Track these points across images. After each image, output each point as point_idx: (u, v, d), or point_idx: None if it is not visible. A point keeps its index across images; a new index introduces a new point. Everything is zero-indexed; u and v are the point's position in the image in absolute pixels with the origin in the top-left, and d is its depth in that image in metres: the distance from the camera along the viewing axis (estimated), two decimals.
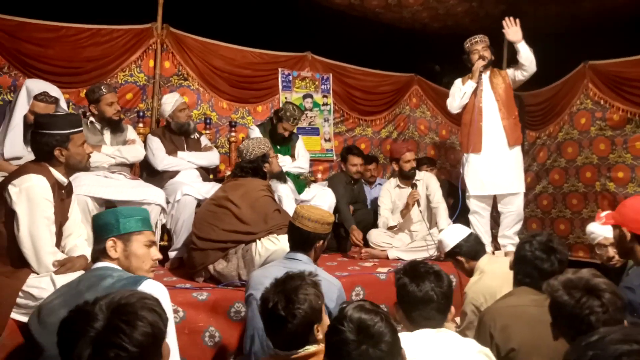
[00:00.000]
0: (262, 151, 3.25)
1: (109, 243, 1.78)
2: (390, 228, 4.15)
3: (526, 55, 3.88)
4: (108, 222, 1.82)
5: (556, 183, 5.16)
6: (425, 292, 1.70)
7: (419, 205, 3.96)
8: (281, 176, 3.40)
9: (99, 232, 1.81)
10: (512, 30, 3.90)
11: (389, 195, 4.29)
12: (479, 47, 4.04)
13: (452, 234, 2.78)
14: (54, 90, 3.06)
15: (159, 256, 1.90)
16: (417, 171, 4.25)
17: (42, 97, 3.00)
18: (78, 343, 1.05)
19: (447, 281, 1.76)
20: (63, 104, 3.23)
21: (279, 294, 1.63)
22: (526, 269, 2.03)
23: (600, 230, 2.78)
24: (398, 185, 4.27)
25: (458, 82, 4.17)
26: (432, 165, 5.05)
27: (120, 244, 1.77)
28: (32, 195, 2.21)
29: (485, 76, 4.05)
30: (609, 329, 0.84)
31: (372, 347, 1.27)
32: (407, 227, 4.17)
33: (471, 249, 2.69)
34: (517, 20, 3.91)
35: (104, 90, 3.39)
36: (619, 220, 2.17)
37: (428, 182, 4.23)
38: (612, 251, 2.77)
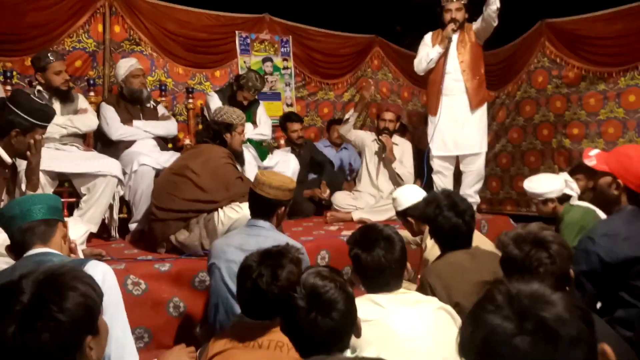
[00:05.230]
0: (230, 121, 3.16)
1: (60, 226, 1.71)
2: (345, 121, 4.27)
3: (494, 8, 3.70)
4: (59, 205, 1.75)
5: (515, 141, 5.28)
6: (378, 261, 1.69)
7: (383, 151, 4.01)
8: (239, 156, 3.31)
9: (51, 215, 1.70)
10: None
11: (365, 135, 4.34)
12: (452, 6, 3.91)
13: (408, 194, 2.79)
14: None
15: None
16: (395, 136, 4.27)
17: None
18: (1, 321, 0.98)
19: (399, 245, 1.75)
20: None
21: (267, 268, 1.59)
22: (449, 238, 2.08)
23: (550, 186, 2.85)
24: (375, 140, 4.28)
25: (427, 38, 4.09)
26: (403, 131, 5.07)
27: (64, 227, 1.71)
28: None
29: (455, 36, 3.98)
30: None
31: (322, 315, 1.23)
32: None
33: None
34: None
35: (51, 57, 3.19)
36: (615, 169, 2.01)
37: (404, 148, 4.27)
38: (551, 206, 2.88)
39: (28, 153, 2.30)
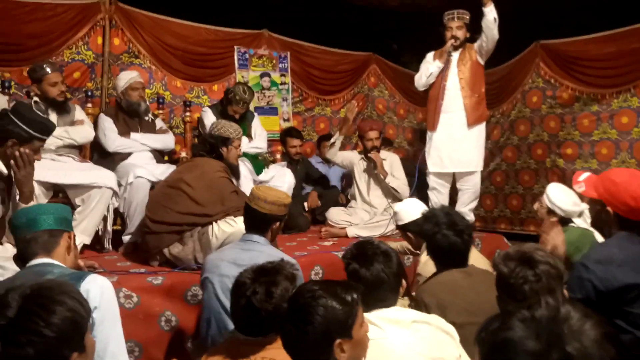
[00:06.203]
0: (227, 135, 3.17)
1: (65, 237, 1.70)
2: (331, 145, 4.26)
3: (490, 18, 3.71)
4: (67, 216, 1.73)
5: (509, 160, 5.32)
6: (377, 275, 1.69)
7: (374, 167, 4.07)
8: (235, 170, 3.32)
9: (58, 225, 1.70)
10: None
11: (352, 155, 4.35)
12: (453, 24, 3.96)
13: (410, 209, 2.80)
14: None
15: None
16: (381, 150, 4.28)
17: None
18: None
19: (396, 259, 1.76)
20: None
21: (261, 285, 1.59)
22: (446, 256, 2.06)
23: (565, 204, 2.72)
24: (363, 159, 4.30)
25: (429, 56, 4.13)
26: (389, 146, 5.10)
27: (69, 239, 1.71)
28: None
29: (456, 53, 4.02)
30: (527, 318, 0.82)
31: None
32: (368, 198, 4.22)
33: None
34: None
35: (47, 69, 3.20)
36: (602, 195, 2.00)
37: (392, 160, 4.28)
38: (551, 219, 2.77)
39: (12, 162, 2.27)
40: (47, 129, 2.39)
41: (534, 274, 1.52)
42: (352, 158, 4.34)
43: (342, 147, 5.14)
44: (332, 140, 4.30)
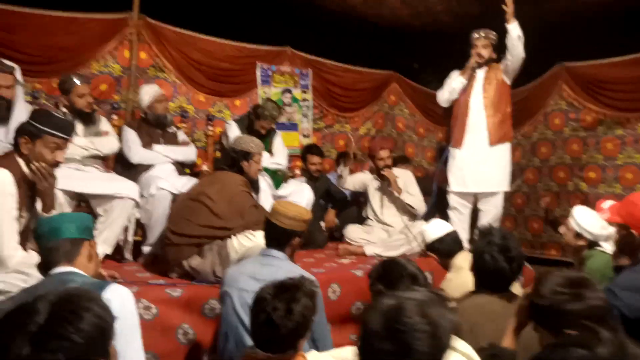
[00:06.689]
0: (248, 149, 3.21)
1: (87, 245, 1.71)
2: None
3: (514, 35, 3.73)
4: (89, 225, 1.76)
5: (530, 182, 5.26)
6: None
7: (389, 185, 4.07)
8: (254, 184, 3.34)
9: (80, 234, 1.71)
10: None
11: (363, 176, 4.36)
12: (479, 43, 3.99)
13: (432, 229, 2.81)
14: (8, 62, 3.01)
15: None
16: (394, 168, 4.27)
17: None
18: (15, 342, 0.95)
19: (423, 282, 1.73)
20: (19, 76, 3.09)
21: (281, 302, 1.58)
22: (488, 276, 1.98)
23: (594, 227, 2.65)
24: (375, 178, 4.29)
25: (455, 74, 4.14)
26: (406, 163, 5.09)
27: (91, 247, 1.73)
28: None
29: (482, 72, 4.02)
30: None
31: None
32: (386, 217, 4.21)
33: (445, 248, 2.71)
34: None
35: (76, 80, 3.28)
36: (628, 221, 1.98)
37: (405, 177, 4.27)
38: (579, 243, 2.72)
39: (33, 174, 2.28)
40: (58, 124, 2.32)
41: (588, 301, 1.40)
42: (364, 179, 4.35)
43: (361, 166, 5.16)
44: (338, 172, 4.35)
